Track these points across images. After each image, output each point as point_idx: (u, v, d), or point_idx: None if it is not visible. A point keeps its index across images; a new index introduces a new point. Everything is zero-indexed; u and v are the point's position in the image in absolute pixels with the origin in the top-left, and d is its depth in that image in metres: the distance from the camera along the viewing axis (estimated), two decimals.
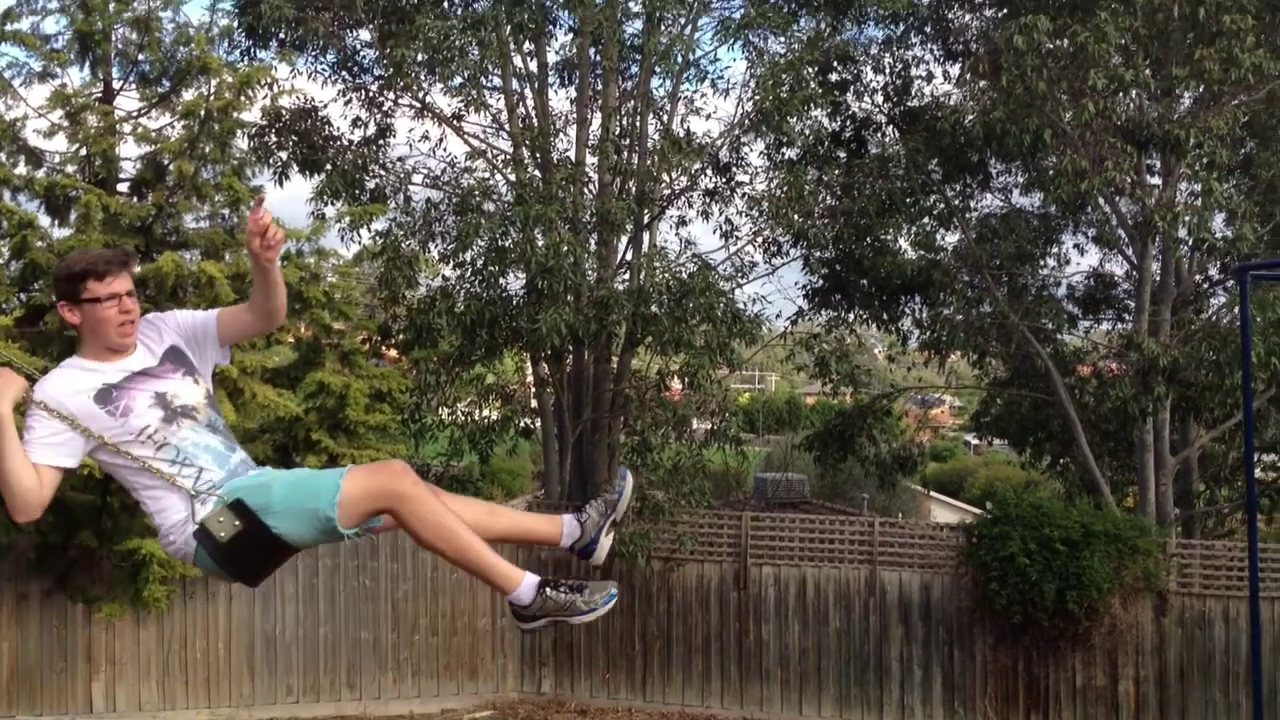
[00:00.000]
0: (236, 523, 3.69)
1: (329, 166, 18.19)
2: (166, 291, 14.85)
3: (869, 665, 17.20)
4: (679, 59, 17.81)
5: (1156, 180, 18.75)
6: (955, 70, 20.15)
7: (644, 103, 18.11)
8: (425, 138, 19.21)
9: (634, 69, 18.22)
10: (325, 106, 18.82)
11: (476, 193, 17.37)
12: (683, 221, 19.29)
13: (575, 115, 18.44)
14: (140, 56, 14.99)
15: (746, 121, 17.89)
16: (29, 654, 15.39)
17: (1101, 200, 17.96)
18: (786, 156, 18.88)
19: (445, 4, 18.26)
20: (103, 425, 3.66)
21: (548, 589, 3.80)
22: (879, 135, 20.53)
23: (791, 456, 27.52)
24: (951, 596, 17.06)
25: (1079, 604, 15.89)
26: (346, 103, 18.85)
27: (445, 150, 31.00)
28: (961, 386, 24.90)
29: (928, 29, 19.94)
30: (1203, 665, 16.66)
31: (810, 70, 17.64)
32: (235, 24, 17.07)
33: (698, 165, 18.05)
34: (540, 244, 16.02)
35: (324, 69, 18.72)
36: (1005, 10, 19.01)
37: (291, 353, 16.94)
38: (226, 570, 3.85)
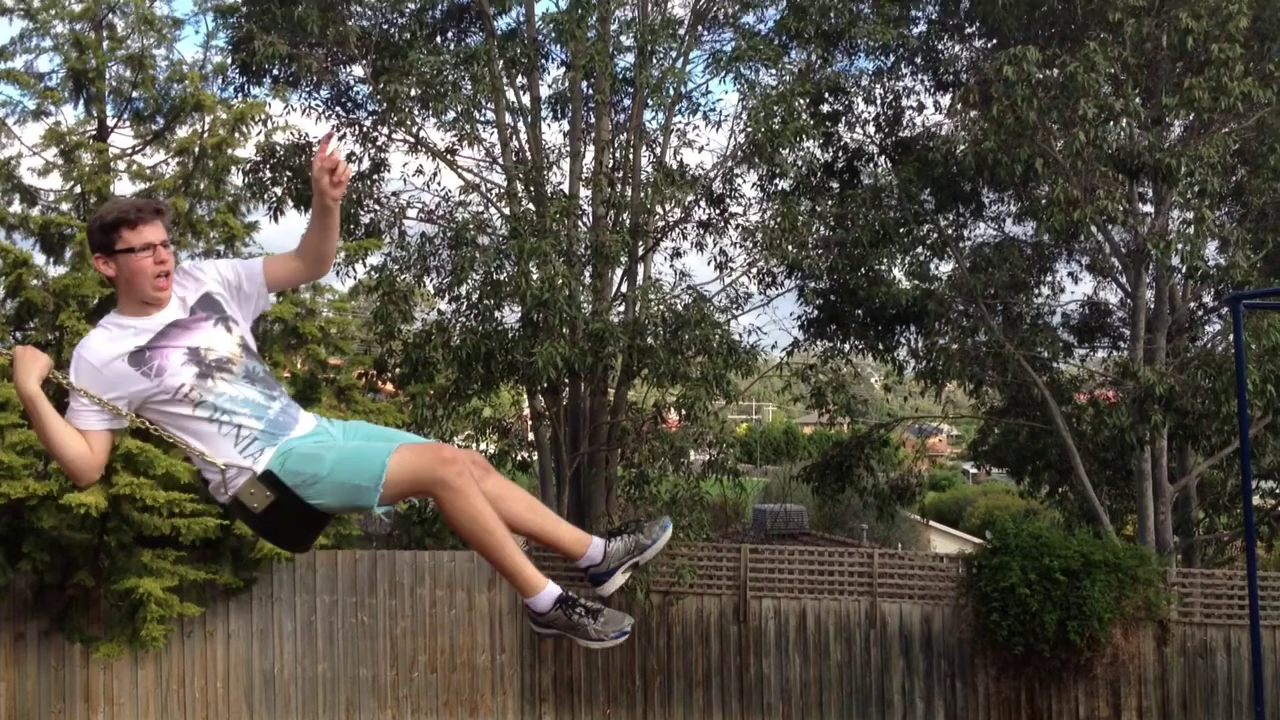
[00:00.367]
0: (269, 494, 3.66)
1: None
2: None
3: (871, 699, 17.09)
4: (671, 92, 17.88)
5: (1149, 208, 18.81)
6: (946, 101, 20.28)
7: (637, 135, 18.18)
8: (419, 172, 19.18)
9: (626, 102, 18.29)
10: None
11: (471, 226, 17.40)
12: (677, 253, 19.32)
13: (569, 148, 18.50)
14: (134, 94, 15.08)
15: (739, 153, 17.95)
16: (26, 695, 15.28)
17: (1094, 229, 17.99)
18: (780, 187, 18.93)
19: (438, 39, 18.35)
20: (139, 386, 3.60)
21: (565, 606, 3.78)
22: (871, 166, 20.62)
23: (790, 487, 27.46)
24: (952, 628, 16.98)
25: (1080, 634, 15.82)
26: (340, 138, 18.92)
27: (439, 184, 31.20)
28: (959, 416, 24.87)
29: (918, 60, 20.08)
30: (1205, 695, 16.57)
31: (802, 102, 17.70)
32: (229, 61, 17.13)
33: (691, 197, 18.09)
34: (535, 277, 16.02)
35: (318, 104, 18.81)
36: (995, 41, 19.15)
37: (288, 388, 16.92)
38: (270, 539, 3.89)
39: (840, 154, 20.48)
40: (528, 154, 18.33)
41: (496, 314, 17.02)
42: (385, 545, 19.35)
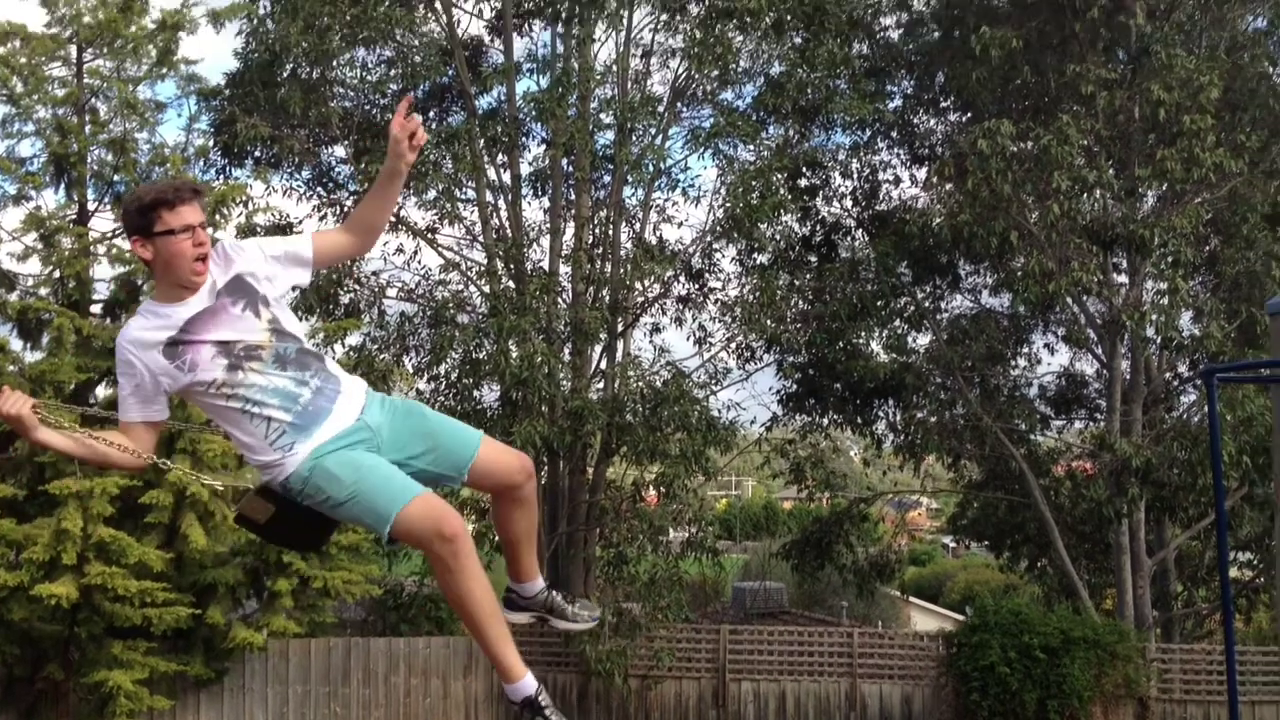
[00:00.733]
0: (269, 505, 3.64)
1: None
2: None
3: None
4: (650, 168, 18.02)
5: (1123, 279, 18.99)
6: (922, 174, 20.52)
7: (616, 211, 18.28)
8: (400, 251, 19.18)
9: (606, 178, 18.41)
10: (300, 222, 18.89)
11: (450, 305, 17.39)
12: (656, 329, 19.37)
13: (549, 225, 18.59)
14: (116, 177, 15.06)
15: (718, 228, 18.06)
16: None
17: (1069, 300, 18.13)
18: (758, 262, 19.03)
19: (420, 118, 18.44)
20: (175, 379, 3.52)
21: (531, 711, 3.74)
22: (849, 239, 20.76)
23: (769, 564, 27.29)
24: (933, 709, 16.80)
25: (1060, 713, 15.69)
26: (321, 218, 18.93)
27: (419, 263, 31.01)
28: (938, 490, 24.85)
29: (894, 134, 20.33)
30: None
31: (780, 176, 17.87)
32: (211, 143, 17.16)
33: (670, 272, 18.16)
34: (514, 355, 15.99)
35: (299, 185, 18.83)
36: (969, 115, 19.41)
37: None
38: (279, 544, 3.86)
39: (818, 228, 20.63)
40: (508, 231, 18.39)
41: (475, 393, 16.97)
42: (360, 632, 19.06)
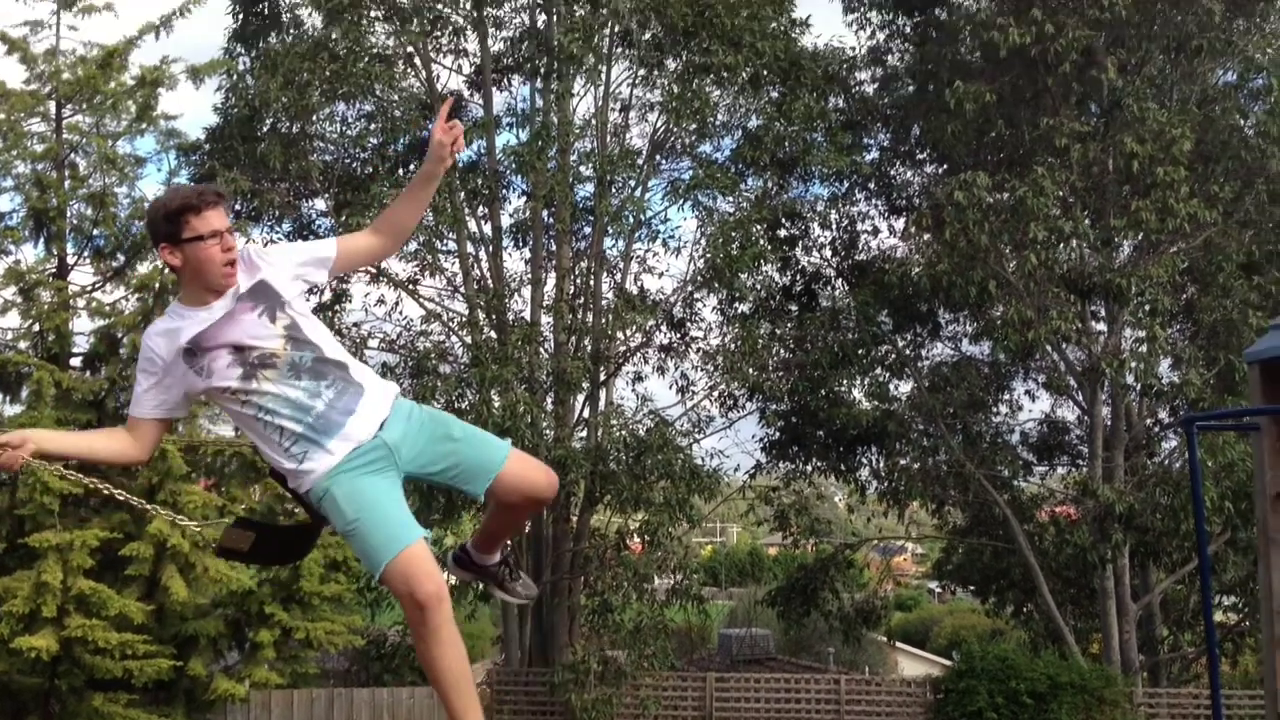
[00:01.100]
0: (249, 533, 3.68)
1: None
2: (117, 466, 14.70)
3: None
4: (630, 220, 18.16)
5: (1102, 327, 19.10)
6: (900, 224, 20.68)
7: (597, 262, 18.38)
8: (381, 301, 19.24)
9: (587, 229, 18.52)
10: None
11: (432, 355, 17.45)
12: (639, 378, 19.42)
13: (530, 276, 18.68)
14: (95, 231, 15.13)
15: (699, 278, 18.18)
16: None
17: (1049, 348, 18.24)
18: (739, 311, 19.12)
19: (400, 172, 18.58)
20: (194, 382, 3.53)
21: None
22: (829, 288, 20.89)
23: (755, 611, 27.21)
24: None
25: None
26: None
27: (401, 314, 31.15)
28: (922, 536, 24.86)
29: (871, 186, 20.52)
30: None
31: (759, 227, 18.02)
32: None
33: (652, 322, 18.25)
34: (497, 405, 16.03)
35: (280, 237, 18.90)
36: (945, 166, 19.60)
37: None
38: (264, 565, 3.89)
39: (798, 277, 20.75)
40: (489, 282, 18.47)
41: None
42: (343, 682, 18.96)
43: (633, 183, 18.28)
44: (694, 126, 18.06)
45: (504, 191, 18.53)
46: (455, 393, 16.68)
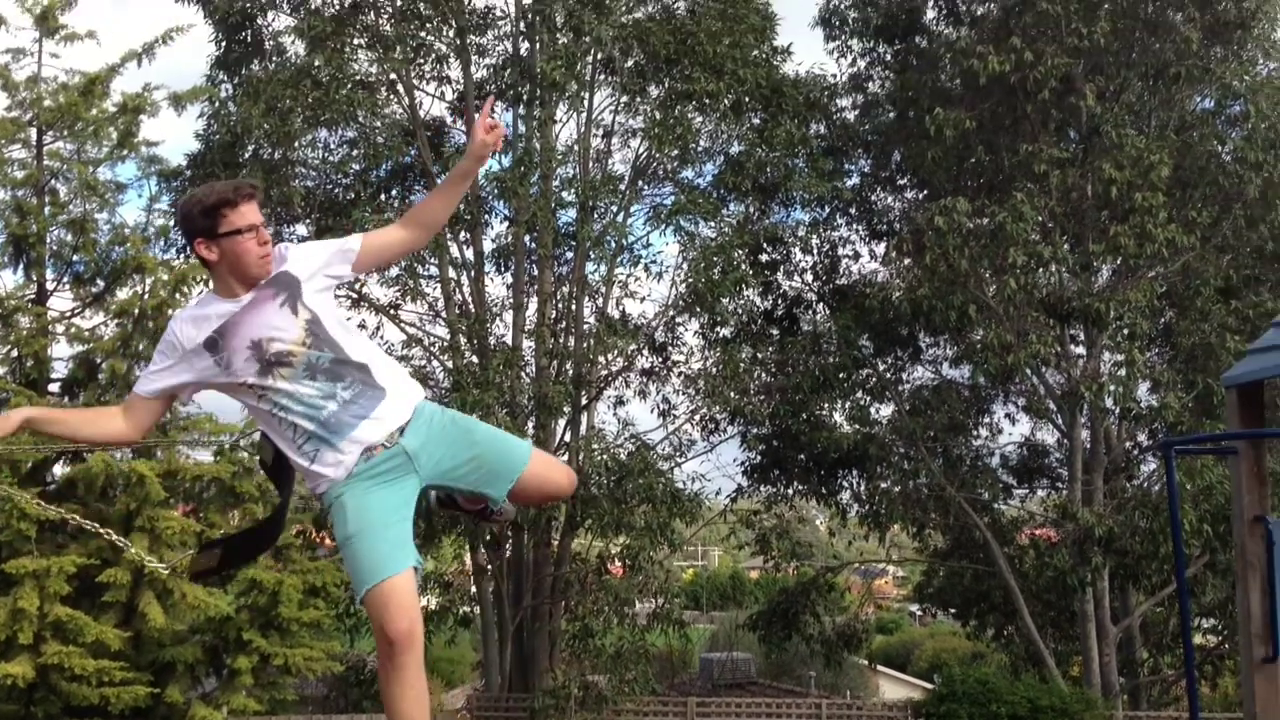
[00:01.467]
0: (216, 551, 3.72)
1: None
2: (96, 491, 14.65)
3: None
4: (612, 245, 18.20)
5: (1081, 351, 19.20)
6: (881, 249, 20.77)
7: (579, 287, 18.41)
8: (362, 326, 19.20)
9: (569, 254, 18.56)
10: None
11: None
12: (620, 402, 19.42)
13: (512, 300, 18.69)
14: (75, 257, 15.09)
15: (680, 302, 18.22)
16: None
17: (1029, 371, 18.32)
18: (721, 335, 19.17)
19: (382, 197, 18.60)
20: (214, 373, 3.54)
21: None
22: (810, 313, 20.97)
23: (736, 635, 27.18)
24: None
25: None
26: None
27: (382, 339, 31.14)
28: (903, 559, 24.89)
29: (852, 211, 20.65)
30: None
31: (741, 252, 18.08)
32: (171, 223, 17.23)
33: (634, 346, 18.28)
34: None
35: None
36: (926, 192, 19.73)
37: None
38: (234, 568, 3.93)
39: (780, 302, 20.83)
40: (471, 307, 18.49)
41: None
42: (322, 709, 18.85)
43: (615, 208, 18.35)
44: (676, 152, 18.14)
45: (486, 217, 18.56)
46: None
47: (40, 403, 14.00)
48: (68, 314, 15.15)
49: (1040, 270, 17.24)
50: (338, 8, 18.37)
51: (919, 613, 40.28)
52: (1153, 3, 17.76)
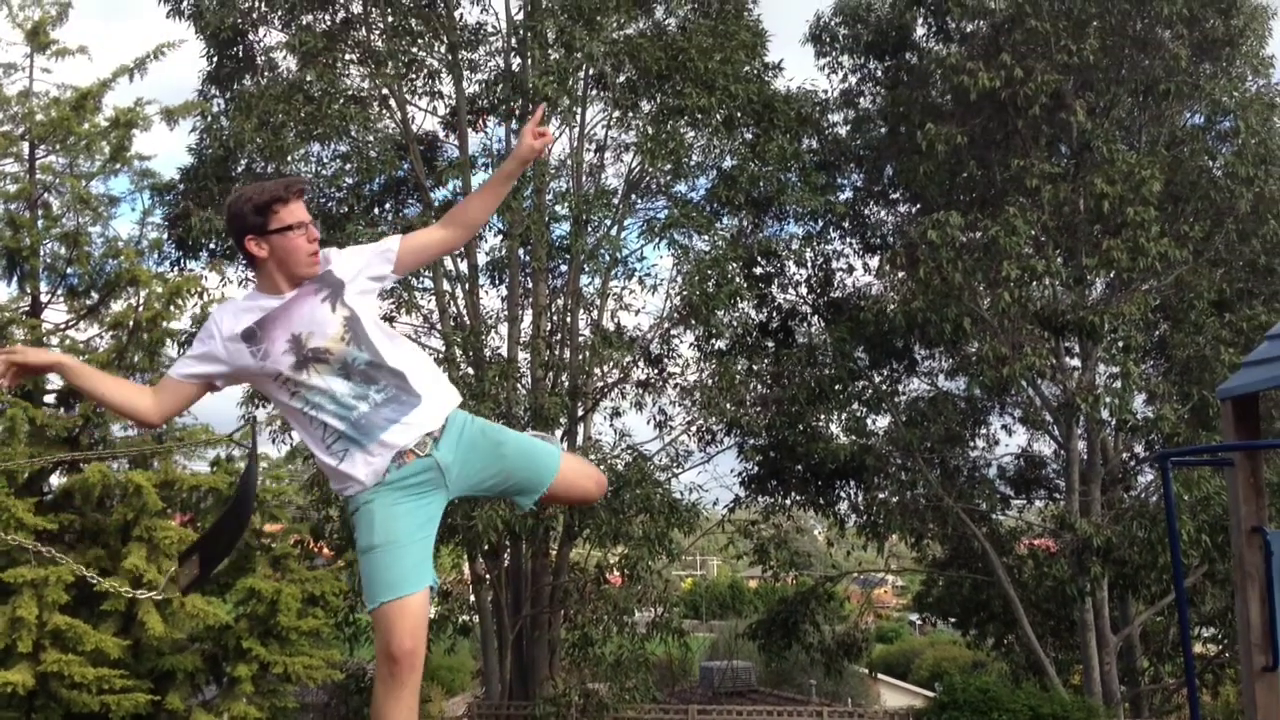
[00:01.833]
0: (194, 557, 3.81)
1: None
2: (93, 501, 14.65)
3: None
4: (606, 258, 18.23)
5: (1076, 363, 19.24)
6: (874, 263, 20.83)
7: (574, 300, 18.45)
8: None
9: (563, 267, 18.61)
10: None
11: None
12: (616, 413, 19.43)
13: (507, 313, 18.72)
14: (69, 270, 15.09)
15: (675, 315, 18.26)
16: None
17: (1024, 383, 18.36)
18: (716, 347, 19.20)
19: (375, 211, 18.64)
20: (249, 364, 3.57)
21: None
22: (805, 325, 21.03)
23: (736, 644, 27.18)
24: None
25: None
26: None
27: None
28: (902, 569, 24.91)
29: (845, 224, 20.70)
30: None
31: (735, 265, 18.11)
32: (165, 236, 17.28)
33: (629, 358, 18.31)
34: None
35: (253, 277, 18.84)
36: (919, 206, 19.79)
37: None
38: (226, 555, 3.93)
39: (774, 314, 20.88)
40: (466, 319, 18.52)
41: None
42: (322, 716, 18.86)
43: (608, 222, 18.38)
44: (669, 167, 18.18)
45: (480, 230, 18.59)
46: None
47: (37, 414, 14.01)
48: (62, 326, 15.15)
49: (1034, 283, 17.27)
50: (329, 24, 18.44)
51: (919, 622, 40.28)
52: (1141, 20, 17.81)
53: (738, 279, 18.01)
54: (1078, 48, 16.93)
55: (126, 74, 15.50)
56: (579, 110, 18.40)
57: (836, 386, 18.86)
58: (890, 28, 19.98)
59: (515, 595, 18.19)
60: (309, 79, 17.32)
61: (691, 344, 19.53)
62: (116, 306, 14.94)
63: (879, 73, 20.83)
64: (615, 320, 18.90)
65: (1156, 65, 17.74)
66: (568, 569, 18.37)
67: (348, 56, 18.53)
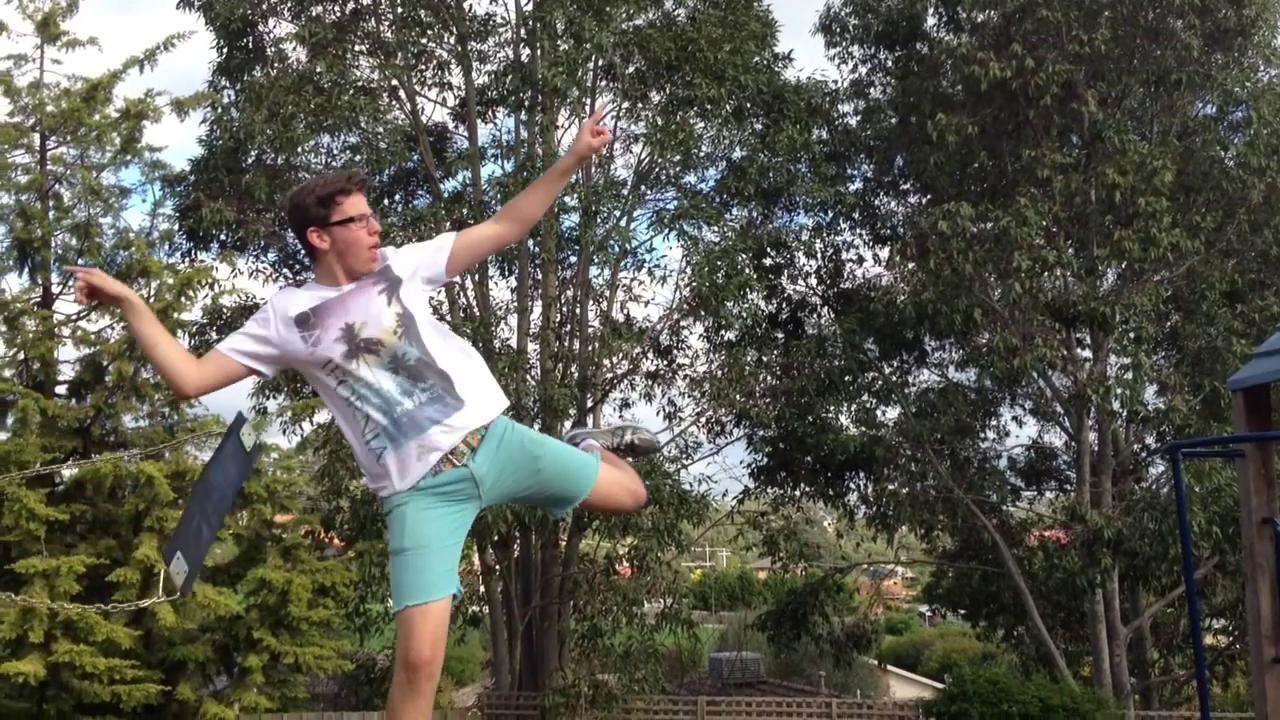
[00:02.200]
0: (177, 554, 3.86)
1: None
2: (104, 492, 14.72)
3: None
4: (616, 249, 18.23)
5: (1087, 354, 19.18)
6: (885, 254, 20.74)
7: (583, 291, 18.46)
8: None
9: (573, 259, 18.61)
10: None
11: None
12: (626, 404, 19.44)
13: (516, 304, 18.73)
14: (80, 261, 15.13)
15: (685, 306, 18.24)
16: None
17: (1035, 375, 18.32)
18: (726, 338, 19.17)
19: (385, 202, 18.66)
20: (299, 349, 3.56)
21: None
22: (815, 316, 20.99)
23: (745, 635, 27.20)
24: None
25: None
26: None
27: None
28: (912, 561, 24.89)
29: (855, 215, 20.64)
30: None
31: (744, 256, 18.09)
32: (176, 228, 17.31)
33: (638, 349, 18.30)
34: None
35: (265, 266, 18.97)
36: (929, 197, 19.73)
37: (234, 547, 16.71)
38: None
39: (784, 305, 20.85)
40: (475, 310, 18.53)
41: None
42: (333, 706, 18.88)
43: (618, 213, 18.37)
44: (678, 158, 18.17)
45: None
46: None
47: (49, 404, 14.07)
48: (73, 317, 15.21)
49: (1045, 274, 17.23)
50: (339, 15, 18.45)
51: (928, 613, 40.26)
52: (1153, 10, 17.74)
53: (747, 270, 18.00)
54: (1089, 38, 16.87)
55: (137, 65, 15.55)
56: (588, 101, 18.40)
57: (846, 378, 18.83)
58: (901, 18, 19.92)
59: (525, 586, 18.23)
60: (319, 70, 17.34)
61: (701, 335, 19.54)
62: None
63: (889, 63, 20.77)
64: (625, 311, 18.94)
65: (1168, 55, 17.68)
66: (577, 560, 18.40)
67: (357, 48, 18.55)
